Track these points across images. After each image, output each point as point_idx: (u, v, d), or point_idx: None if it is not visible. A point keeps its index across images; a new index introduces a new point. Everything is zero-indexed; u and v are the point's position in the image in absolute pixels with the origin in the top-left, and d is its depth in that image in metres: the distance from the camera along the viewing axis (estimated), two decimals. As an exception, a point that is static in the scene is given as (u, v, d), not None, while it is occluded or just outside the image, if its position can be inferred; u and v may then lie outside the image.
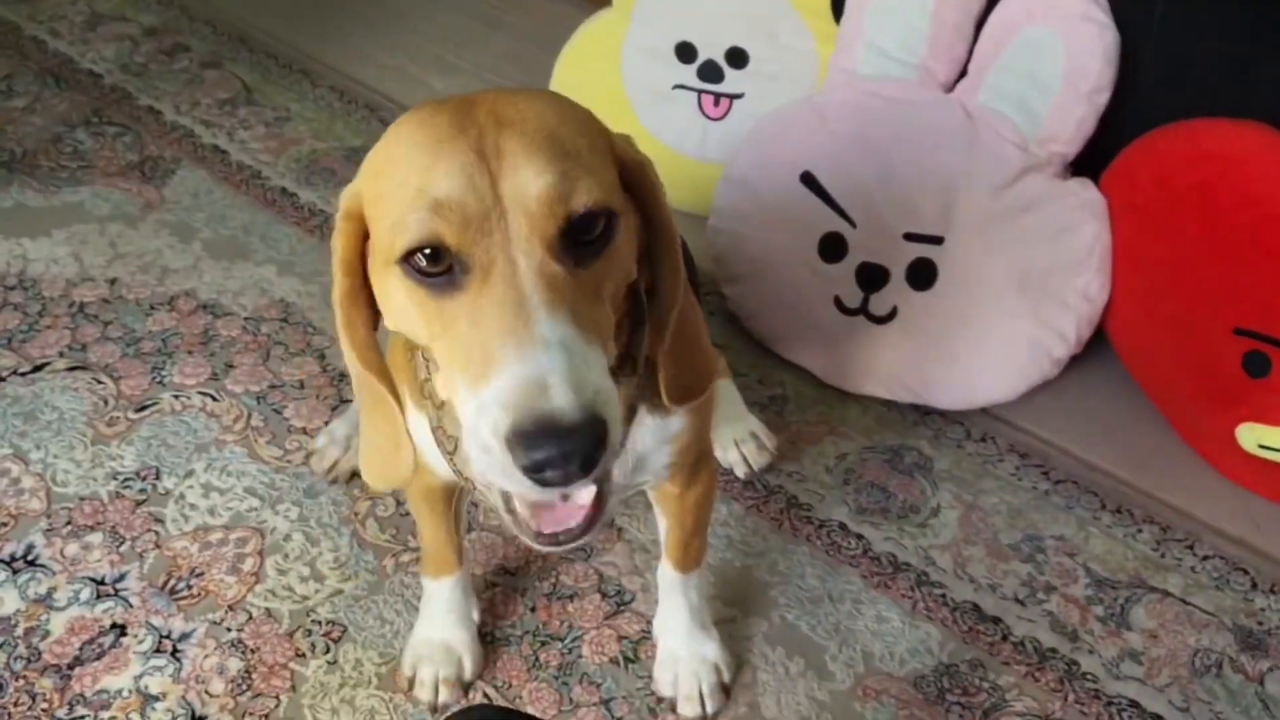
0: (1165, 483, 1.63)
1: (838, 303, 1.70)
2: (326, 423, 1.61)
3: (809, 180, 1.69)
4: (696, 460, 1.13)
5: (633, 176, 0.84)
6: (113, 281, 1.83)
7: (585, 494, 0.80)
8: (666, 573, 1.30)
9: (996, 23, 1.65)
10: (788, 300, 1.73)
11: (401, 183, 0.75)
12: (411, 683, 1.33)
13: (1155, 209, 1.60)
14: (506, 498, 0.81)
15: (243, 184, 2.05)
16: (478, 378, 0.72)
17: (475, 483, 0.93)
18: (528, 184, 0.73)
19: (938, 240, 1.64)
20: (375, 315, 0.86)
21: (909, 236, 1.65)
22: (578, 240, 0.76)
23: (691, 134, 1.97)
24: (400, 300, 0.78)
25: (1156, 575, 1.51)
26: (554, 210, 0.74)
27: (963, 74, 1.69)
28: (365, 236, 0.83)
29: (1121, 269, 1.65)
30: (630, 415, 0.93)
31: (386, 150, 0.80)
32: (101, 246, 1.89)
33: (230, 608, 1.40)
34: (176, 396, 1.65)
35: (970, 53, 1.68)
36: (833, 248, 1.69)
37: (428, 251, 0.74)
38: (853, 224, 1.67)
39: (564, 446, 0.68)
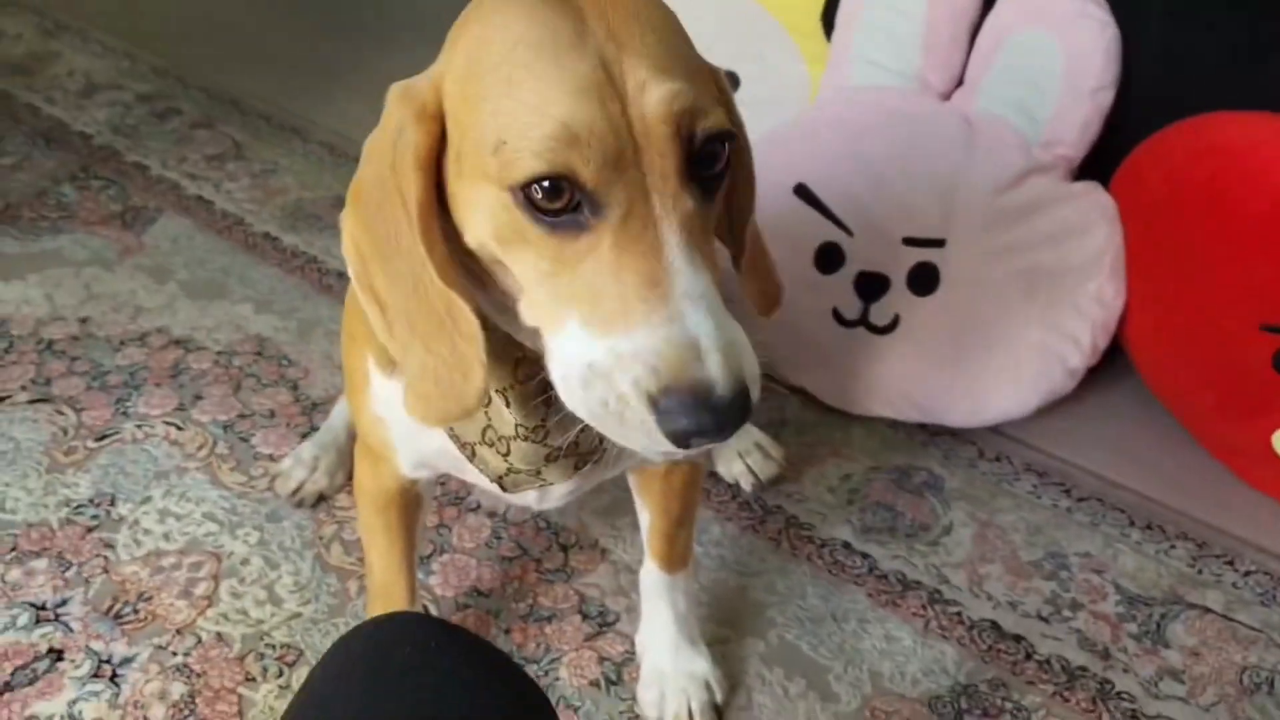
0: (1197, 501, 1.51)
1: (836, 315, 1.60)
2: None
3: (802, 191, 1.61)
4: None
5: None
6: (84, 320, 1.75)
7: None
8: (650, 574, 1.19)
9: (991, 29, 1.60)
10: (783, 319, 1.63)
11: (516, 93, 0.66)
12: None
13: (1166, 208, 1.51)
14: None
15: (225, 230, 1.99)
16: (609, 323, 0.65)
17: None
18: (660, 109, 0.66)
19: (939, 243, 1.55)
20: (448, 225, 0.74)
21: (909, 241, 1.56)
22: (702, 172, 0.69)
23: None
24: (500, 224, 0.69)
25: (1194, 591, 1.38)
26: (688, 134, 0.67)
27: (959, 83, 1.64)
28: (442, 136, 0.72)
29: (1135, 276, 1.56)
30: None
31: (485, 41, 0.69)
32: (75, 288, 1.82)
33: (178, 631, 1.28)
34: (139, 426, 1.56)
35: (966, 61, 1.63)
36: (829, 258, 1.60)
37: (547, 184, 0.66)
38: (849, 232, 1.58)
39: (718, 420, 0.64)
